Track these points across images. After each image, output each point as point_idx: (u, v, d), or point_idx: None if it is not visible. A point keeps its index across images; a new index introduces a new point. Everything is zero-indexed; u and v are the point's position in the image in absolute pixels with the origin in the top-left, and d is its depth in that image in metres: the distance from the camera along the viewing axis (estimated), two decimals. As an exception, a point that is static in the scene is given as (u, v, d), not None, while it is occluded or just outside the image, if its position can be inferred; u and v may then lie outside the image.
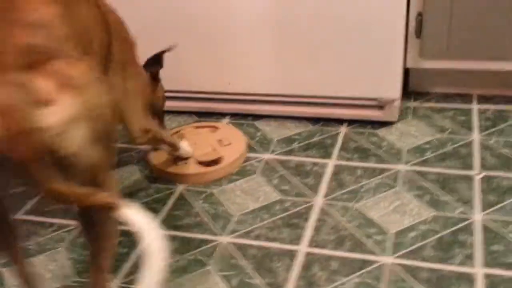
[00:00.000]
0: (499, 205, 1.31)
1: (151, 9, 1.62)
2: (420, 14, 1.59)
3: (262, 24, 1.56)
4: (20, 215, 1.42)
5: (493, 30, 1.56)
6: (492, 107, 1.71)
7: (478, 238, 1.22)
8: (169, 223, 1.35)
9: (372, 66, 1.53)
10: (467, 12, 1.55)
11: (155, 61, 1.41)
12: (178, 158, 1.50)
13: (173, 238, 1.30)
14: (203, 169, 1.49)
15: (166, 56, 1.42)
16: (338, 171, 1.48)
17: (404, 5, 1.43)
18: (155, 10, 1.62)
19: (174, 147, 1.45)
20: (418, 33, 1.62)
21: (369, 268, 1.17)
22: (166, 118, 1.79)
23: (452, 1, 1.54)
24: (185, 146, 1.50)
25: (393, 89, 1.56)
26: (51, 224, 1.38)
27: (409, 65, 1.70)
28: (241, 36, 1.60)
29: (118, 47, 1.16)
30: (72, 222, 1.38)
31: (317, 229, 1.29)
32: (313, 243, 1.25)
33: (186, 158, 1.51)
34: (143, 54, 1.39)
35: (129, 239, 1.31)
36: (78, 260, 1.26)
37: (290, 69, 1.61)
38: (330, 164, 1.51)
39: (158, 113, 1.47)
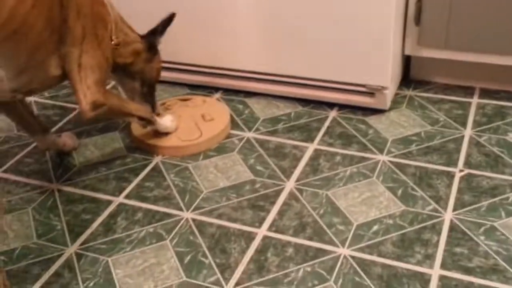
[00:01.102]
0: (473, 206, 1.26)
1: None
2: (419, 0, 1.52)
3: (256, 4, 1.52)
4: (-1, 173, 1.46)
5: (496, 22, 1.48)
6: (492, 102, 1.63)
7: (443, 238, 1.18)
8: (137, 193, 1.36)
9: (361, 52, 1.48)
10: (468, 1, 1.47)
11: (155, 32, 1.41)
12: (157, 132, 1.49)
13: (138, 209, 1.31)
14: (181, 143, 1.48)
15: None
16: (316, 156, 1.45)
17: (396, -10, 1.37)
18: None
19: (147, 121, 1.43)
20: (417, 20, 1.55)
21: (323, 258, 1.15)
22: (161, 87, 1.78)
23: (454, -12, 1.46)
24: (165, 121, 1.48)
25: (382, 77, 1.50)
26: (26, 184, 1.41)
27: (407, 52, 1.64)
28: (235, 14, 1.56)
29: (77, 22, 1.15)
30: (47, 184, 1.41)
31: (281, 214, 1.27)
32: (274, 227, 1.24)
33: (166, 133, 1.50)
34: (140, 29, 1.41)
35: (93, 206, 1.32)
36: (42, 223, 1.28)
37: (280, 49, 1.57)
38: (310, 148, 1.48)
39: (150, 83, 1.47)
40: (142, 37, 1.41)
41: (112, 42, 1.28)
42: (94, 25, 1.19)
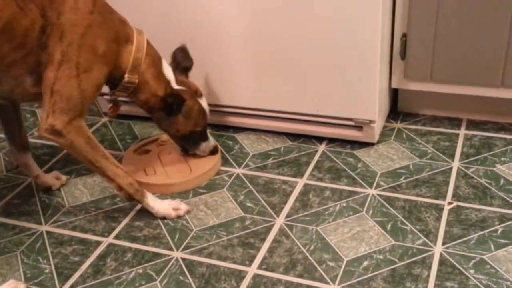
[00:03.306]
0: (462, 239, 1.26)
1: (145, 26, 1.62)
2: (404, 35, 1.55)
3: (244, 42, 1.54)
4: (-12, 215, 1.45)
5: (480, 55, 1.51)
6: (479, 133, 1.65)
7: (433, 272, 1.18)
8: (127, 233, 1.35)
9: (348, 86, 1.49)
10: (452, 35, 1.50)
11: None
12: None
13: (128, 249, 1.30)
14: (170, 180, 1.48)
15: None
16: (306, 191, 1.45)
17: (380, 26, 1.39)
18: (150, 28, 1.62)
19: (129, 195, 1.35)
20: (403, 54, 1.58)
21: (314, 296, 1.14)
22: (149, 125, 1.79)
23: (437, 23, 1.49)
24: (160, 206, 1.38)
25: (370, 111, 1.52)
26: (14, 226, 1.40)
27: (394, 85, 1.66)
28: (224, 51, 1.58)
29: (57, 47, 1.18)
30: (35, 226, 1.40)
31: (271, 251, 1.27)
32: (264, 265, 1.23)
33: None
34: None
35: (82, 247, 1.31)
36: (30, 266, 1.27)
37: (269, 85, 1.59)
38: (300, 183, 1.48)
39: (171, 135, 1.50)
40: (169, 95, 1.39)
41: (124, 80, 1.32)
42: (78, 54, 1.20)
